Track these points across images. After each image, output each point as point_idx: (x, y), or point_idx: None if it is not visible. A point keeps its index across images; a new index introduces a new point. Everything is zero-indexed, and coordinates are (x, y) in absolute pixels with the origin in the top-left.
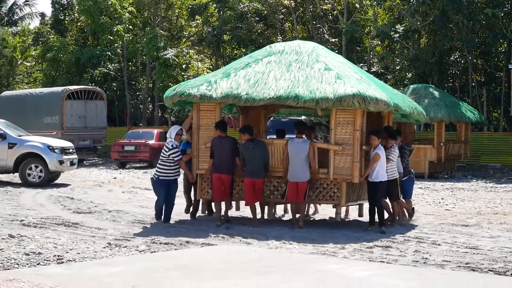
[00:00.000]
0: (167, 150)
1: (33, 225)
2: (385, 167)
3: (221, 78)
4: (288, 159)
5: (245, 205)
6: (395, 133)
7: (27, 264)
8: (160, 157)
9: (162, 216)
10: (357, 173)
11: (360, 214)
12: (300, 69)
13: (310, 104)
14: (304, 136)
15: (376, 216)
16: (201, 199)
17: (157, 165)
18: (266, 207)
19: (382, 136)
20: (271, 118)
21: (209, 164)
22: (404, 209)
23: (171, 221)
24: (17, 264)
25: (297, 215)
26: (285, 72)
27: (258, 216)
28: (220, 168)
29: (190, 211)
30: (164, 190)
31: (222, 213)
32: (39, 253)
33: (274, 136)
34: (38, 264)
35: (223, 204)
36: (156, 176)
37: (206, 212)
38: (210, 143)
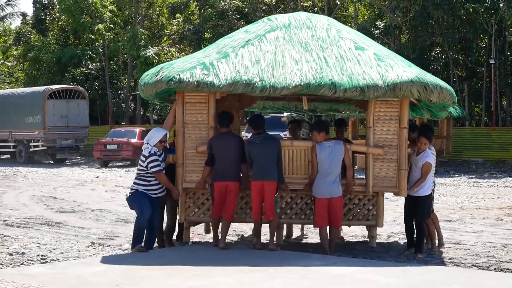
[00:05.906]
0: (144, 159)
1: (16, 225)
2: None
3: (217, 59)
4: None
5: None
6: (432, 130)
7: (11, 264)
8: (137, 170)
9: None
10: (404, 185)
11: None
12: (322, 48)
13: (352, 94)
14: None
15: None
16: (184, 222)
17: (134, 181)
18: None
19: (430, 137)
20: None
21: (203, 173)
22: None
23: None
24: (1, 264)
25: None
26: (303, 51)
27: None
28: (225, 174)
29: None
30: (148, 204)
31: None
32: (23, 253)
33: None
34: (21, 264)
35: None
36: (133, 190)
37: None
38: (204, 146)
